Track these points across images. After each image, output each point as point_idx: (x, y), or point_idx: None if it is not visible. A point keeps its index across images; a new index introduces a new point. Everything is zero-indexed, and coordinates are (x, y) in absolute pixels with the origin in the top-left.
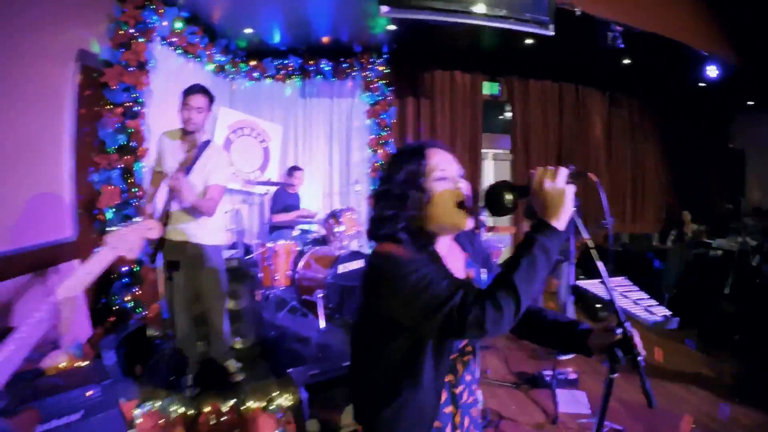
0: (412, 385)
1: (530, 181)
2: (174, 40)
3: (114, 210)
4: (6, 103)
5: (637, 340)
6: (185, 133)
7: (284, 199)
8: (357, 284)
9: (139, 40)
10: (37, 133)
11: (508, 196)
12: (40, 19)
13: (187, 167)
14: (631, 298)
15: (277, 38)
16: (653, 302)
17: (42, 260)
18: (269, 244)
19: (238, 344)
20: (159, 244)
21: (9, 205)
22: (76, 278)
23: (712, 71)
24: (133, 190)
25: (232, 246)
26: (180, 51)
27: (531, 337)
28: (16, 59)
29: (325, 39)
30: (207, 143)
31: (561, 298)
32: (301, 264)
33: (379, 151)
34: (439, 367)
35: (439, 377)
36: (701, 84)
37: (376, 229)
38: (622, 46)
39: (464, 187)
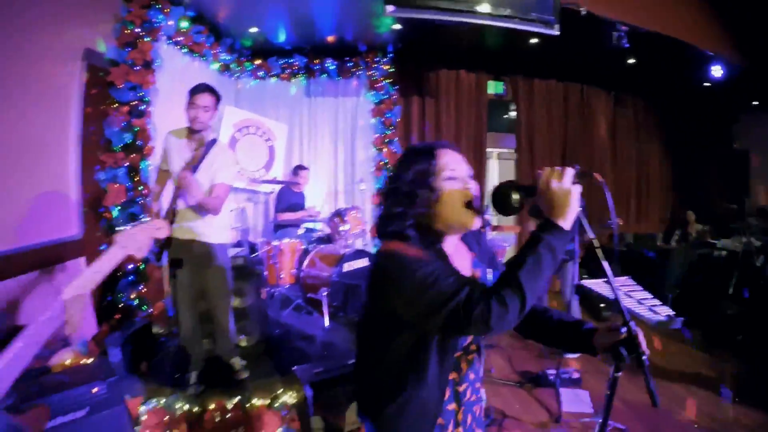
0: (417, 382)
1: (537, 181)
2: (180, 39)
3: (120, 208)
4: (13, 102)
5: (642, 339)
6: (191, 132)
7: (289, 198)
8: (361, 283)
9: (145, 39)
10: (43, 132)
11: (515, 196)
12: (46, 18)
13: (193, 166)
14: (635, 298)
15: (282, 37)
16: (657, 302)
17: (48, 258)
18: (274, 243)
19: (243, 342)
20: (165, 243)
21: (15, 203)
22: (86, 277)
23: (716, 71)
24: (139, 188)
25: (237, 244)
26: (185, 50)
27: (536, 337)
28: (23, 58)
29: (330, 38)
30: (213, 142)
31: (565, 297)
32: (306, 262)
33: (383, 150)
34: (443, 364)
35: (443, 374)
36: (706, 84)
37: (384, 226)
38: (627, 45)
39: (473, 187)
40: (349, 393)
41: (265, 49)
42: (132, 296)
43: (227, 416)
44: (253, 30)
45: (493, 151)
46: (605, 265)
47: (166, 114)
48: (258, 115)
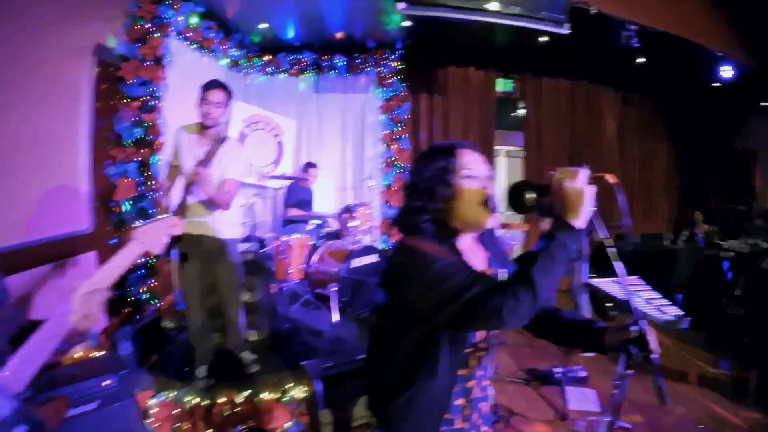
0: (427, 376)
1: (551, 181)
2: (189, 34)
3: (130, 203)
4: (24, 97)
5: (651, 337)
6: (203, 128)
7: (298, 194)
8: (370, 279)
9: (155, 34)
10: (54, 127)
11: (529, 195)
12: (56, 14)
13: (206, 161)
14: (643, 297)
15: (291, 33)
16: (665, 301)
17: (59, 252)
18: (283, 238)
19: (253, 336)
20: (175, 237)
21: (27, 198)
22: (104, 271)
23: (725, 71)
24: (149, 183)
25: (247, 239)
26: (195, 46)
27: (547, 336)
28: (34, 54)
29: (338, 35)
30: (224, 138)
31: (574, 295)
32: (314, 258)
33: (392, 147)
34: (454, 359)
35: (453, 370)
36: (714, 84)
37: (403, 220)
38: (637, 45)
39: (491, 187)
40: (358, 388)
41: (274, 45)
42: (142, 290)
43: (236, 410)
44: (263, 26)
45: (501, 149)
46: (617, 265)
47: (176, 109)
48: (267, 111)
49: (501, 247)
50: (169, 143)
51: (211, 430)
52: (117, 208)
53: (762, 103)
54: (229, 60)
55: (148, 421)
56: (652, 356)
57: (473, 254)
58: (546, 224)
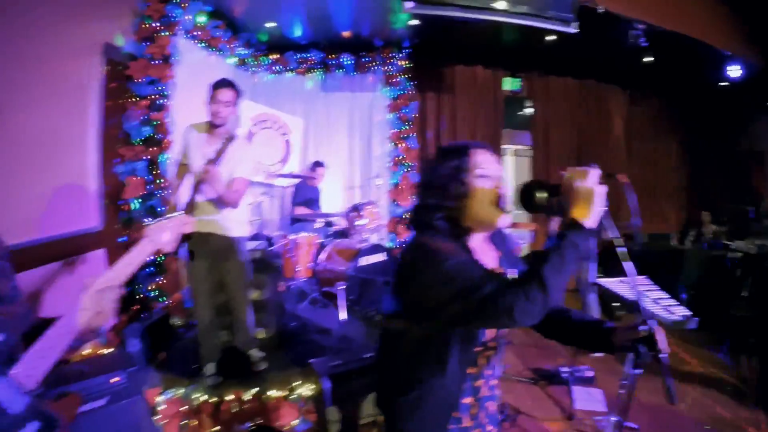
0: (437, 374)
1: (562, 180)
2: (197, 33)
3: (139, 201)
4: (33, 96)
5: (660, 337)
6: (212, 127)
7: (305, 193)
8: (378, 277)
9: (163, 33)
10: (63, 125)
11: (540, 194)
12: (65, 13)
13: (215, 160)
14: (651, 297)
15: (298, 32)
16: (673, 302)
17: (68, 249)
18: (291, 236)
19: (261, 334)
20: (185, 235)
21: (36, 195)
22: (117, 269)
23: (734, 71)
24: (157, 181)
25: (254, 237)
26: (203, 44)
27: (556, 336)
28: (43, 53)
29: (346, 33)
30: (233, 137)
31: (583, 294)
32: (322, 256)
33: (399, 146)
34: (463, 358)
35: (462, 368)
36: (723, 84)
37: (416, 217)
38: (645, 44)
39: (503, 187)
40: (365, 386)
41: (282, 43)
42: (150, 287)
43: (244, 407)
44: (270, 25)
45: (508, 148)
46: (627, 265)
47: (184, 108)
48: (274, 110)
49: (511, 246)
50: (178, 141)
51: (219, 427)
52: (126, 206)
53: None
54: (236, 59)
55: (156, 417)
56: (661, 356)
57: (484, 253)
58: (554, 224)
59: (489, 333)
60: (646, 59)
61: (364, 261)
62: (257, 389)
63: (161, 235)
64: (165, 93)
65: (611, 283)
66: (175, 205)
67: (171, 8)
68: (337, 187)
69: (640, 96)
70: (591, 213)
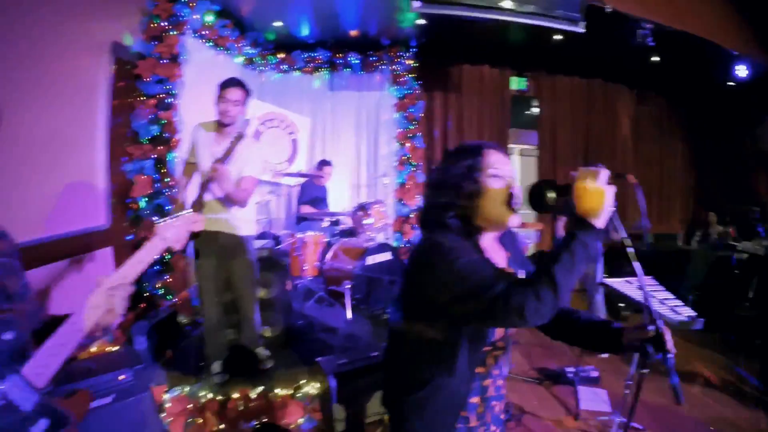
0: (445, 373)
1: (572, 181)
2: (205, 32)
3: (146, 199)
4: (42, 94)
5: (668, 337)
6: (221, 126)
7: (311, 192)
8: (384, 276)
9: (172, 32)
10: (71, 124)
11: (551, 194)
12: (74, 12)
13: (224, 159)
14: (657, 298)
15: (305, 31)
16: (679, 302)
17: (76, 247)
18: (298, 235)
19: (267, 332)
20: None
21: (44, 194)
22: (128, 267)
23: (741, 71)
24: (165, 180)
25: (261, 236)
26: (210, 44)
27: (564, 337)
28: (52, 52)
29: (353, 32)
30: (241, 136)
31: (589, 294)
32: (329, 255)
33: (406, 145)
34: (472, 357)
35: (471, 367)
36: (730, 83)
37: (428, 215)
38: (652, 43)
39: (515, 187)
40: (372, 384)
41: (289, 42)
42: (157, 285)
43: (250, 405)
44: (277, 24)
45: (515, 148)
46: (636, 265)
47: (192, 106)
48: (281, 109)
49: (520, 248)
50: (186, 140)
51: (225, 425)
52: (133, 205)
53: None
54: (243, 58)
55: (162, 415)
56: (668, 356)
57: (494, 253)
58: (560, 224)
59: (498, 332)
60: (653, 59)
61: (371, 260)
62: (263, 387)
63: (172, 233)
64: (173, 92)
65: (618, 283)
66: (182, 204)
67: (179, 7)
68: (343, 185)
69: (647, 96)
70: (601, 213)
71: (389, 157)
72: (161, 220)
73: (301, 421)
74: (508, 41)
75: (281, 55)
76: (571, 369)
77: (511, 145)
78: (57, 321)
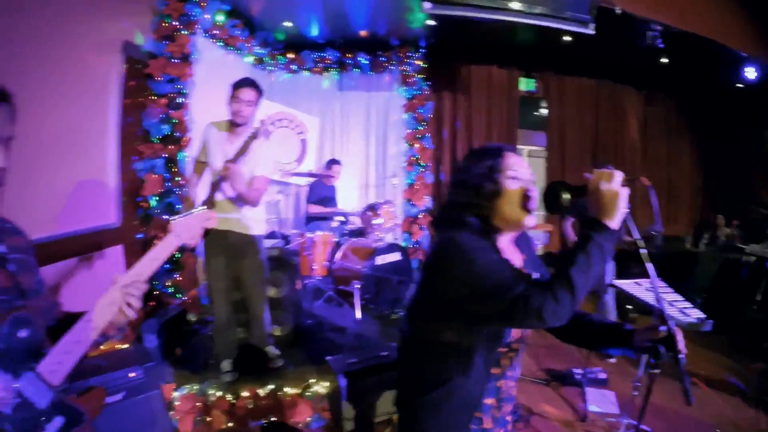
0: (462, 374)
1: (586, 182)
2: (215, 32)
3: (157, 198)
4: (54, 93)
5: (679, 338)
6: (233, 125)
7: (320, 191)
8: (393, 276)
9: (183, 32)
10: (83, 122)
11: (565, 196)
12: (85, 11)
13: (236, 158)
14: (666, 300)
15: (315, 31)
16: (688, 304)
17: (87, 245)
18: (308, 235)
19: (277, 331)
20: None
21: (56, 192)
22: (143, 264)
23: (750, 73)
24: (176, 179)
25: (271, 235)
26: (221, 43)
27: (575, 340)
28: (64, 50)
29: (362, 32)
30: (254, 136)
31: (600, 295)
32: (338, 255)
33: (415, 145)
34: (489, 358)
35: (487, 368)
36: (739, 85)
37: (447, 214)
38: (661, 45)
39: (533, 190)
40: (381, 384)
41: (298, 42)
42: (167, 284)
43: (260, 404)
44: (287, 24)
45: (523, 149)
46: (649, 266)
47: (202, 106)
48: (291, 109)
49: (534, 250)
50: (197, 139)
51: (234, 423)
52: (144, 203)
53: None
54: (253, 57)
55: (171, 413)
56: (679, 356)
57: (511, 255)
58: (567, 225)
59: (515, 333)
60: (662, 60)
61: (380, 260)
62: (272, 386)
63: (186, 230)
64: (184, 91)
65: (627, 284)
66: (192, 203)
67: (190, 7)
68: (352, 185)
69: (655, 97)
70: (615, 214)
71: (398, 158)
72: (175, 217)
73: (309, 420)
74: (517, 42)
75: (291, 55)
76: (578, 370)
77: (519, 146)
78: (71, 318)
